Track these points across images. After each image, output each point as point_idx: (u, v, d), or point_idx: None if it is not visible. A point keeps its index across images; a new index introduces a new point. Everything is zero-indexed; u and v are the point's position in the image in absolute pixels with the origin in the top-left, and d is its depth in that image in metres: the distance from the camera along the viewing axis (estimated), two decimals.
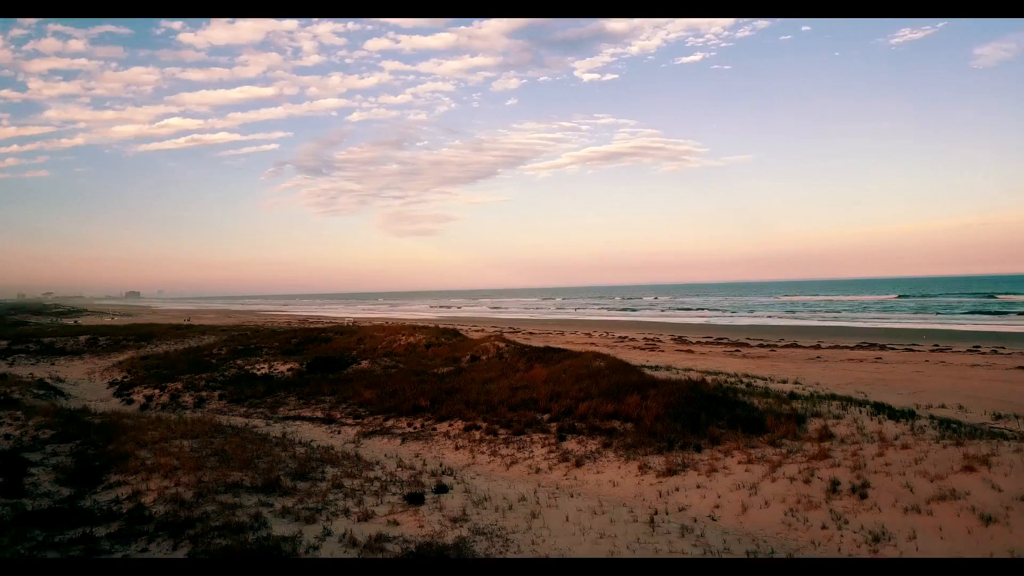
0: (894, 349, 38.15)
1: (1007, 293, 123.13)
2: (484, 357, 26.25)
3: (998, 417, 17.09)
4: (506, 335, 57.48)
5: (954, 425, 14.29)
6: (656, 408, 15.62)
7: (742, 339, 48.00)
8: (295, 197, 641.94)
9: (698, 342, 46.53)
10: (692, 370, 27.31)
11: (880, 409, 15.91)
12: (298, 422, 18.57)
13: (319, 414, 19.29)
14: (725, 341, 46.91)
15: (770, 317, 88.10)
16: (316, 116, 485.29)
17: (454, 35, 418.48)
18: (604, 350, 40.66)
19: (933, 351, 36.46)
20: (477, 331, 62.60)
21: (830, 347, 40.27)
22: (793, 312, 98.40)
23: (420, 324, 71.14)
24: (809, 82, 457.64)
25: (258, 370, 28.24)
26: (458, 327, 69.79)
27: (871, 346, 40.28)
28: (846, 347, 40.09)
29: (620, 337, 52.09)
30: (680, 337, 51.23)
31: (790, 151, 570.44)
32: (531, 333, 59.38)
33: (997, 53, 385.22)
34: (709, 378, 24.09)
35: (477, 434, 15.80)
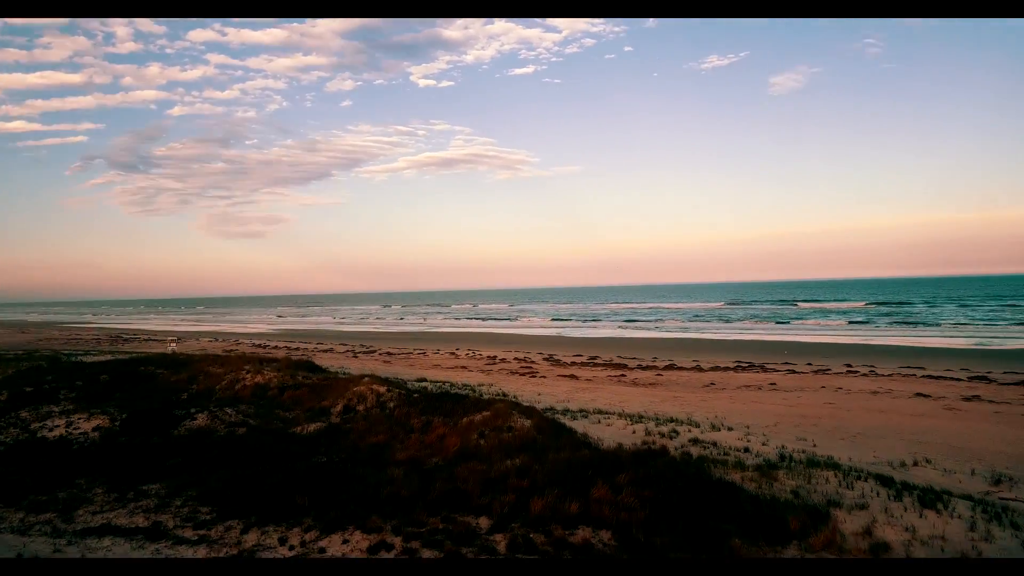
0: (776, 370, 37.29)
1: (805, 300, 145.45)
2: (361, 407, 21.02)
3: (997, 482, 14.88)
4: (360, 356, 51.59)
5: (993, 509, 11.60)
6: (638, 505, 11.56)
7: (615, 358, 45.77)
8: (107, 194, 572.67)
9: (573, 363, 43.60)
10: (603, 412, 23.82)
11: (893, 487, 12.97)
12: (107, 540, 12.46)
13: (141, 520, 13.27)
14: (600, 361, 44.38)
15: (621, 328, 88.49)
16: (132, 108, 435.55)
17: (286, 32, 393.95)
18: (480, 376, 36.53)
19: (817, 372, 35.89)
20: (325, 351, 56.09)
21: (711, 368, 38.80)
22: (635, 321, 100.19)
23: (260, 343, 63.13)
24: (631, 100, 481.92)
25: (51, 430, 21.01)
26: (302, 345, 62.70)
27: (751, 366, 39.31)
28: (727, 368, 38.80)
29: (490, 358, 48.04)
30: (551, 356, 48.20)
31: (613, 163, 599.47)
32: (389, 353, 53.78)
33: (789, 83, 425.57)
34: (639, 427, 20.67)
35: (390, 559, 10.89)
